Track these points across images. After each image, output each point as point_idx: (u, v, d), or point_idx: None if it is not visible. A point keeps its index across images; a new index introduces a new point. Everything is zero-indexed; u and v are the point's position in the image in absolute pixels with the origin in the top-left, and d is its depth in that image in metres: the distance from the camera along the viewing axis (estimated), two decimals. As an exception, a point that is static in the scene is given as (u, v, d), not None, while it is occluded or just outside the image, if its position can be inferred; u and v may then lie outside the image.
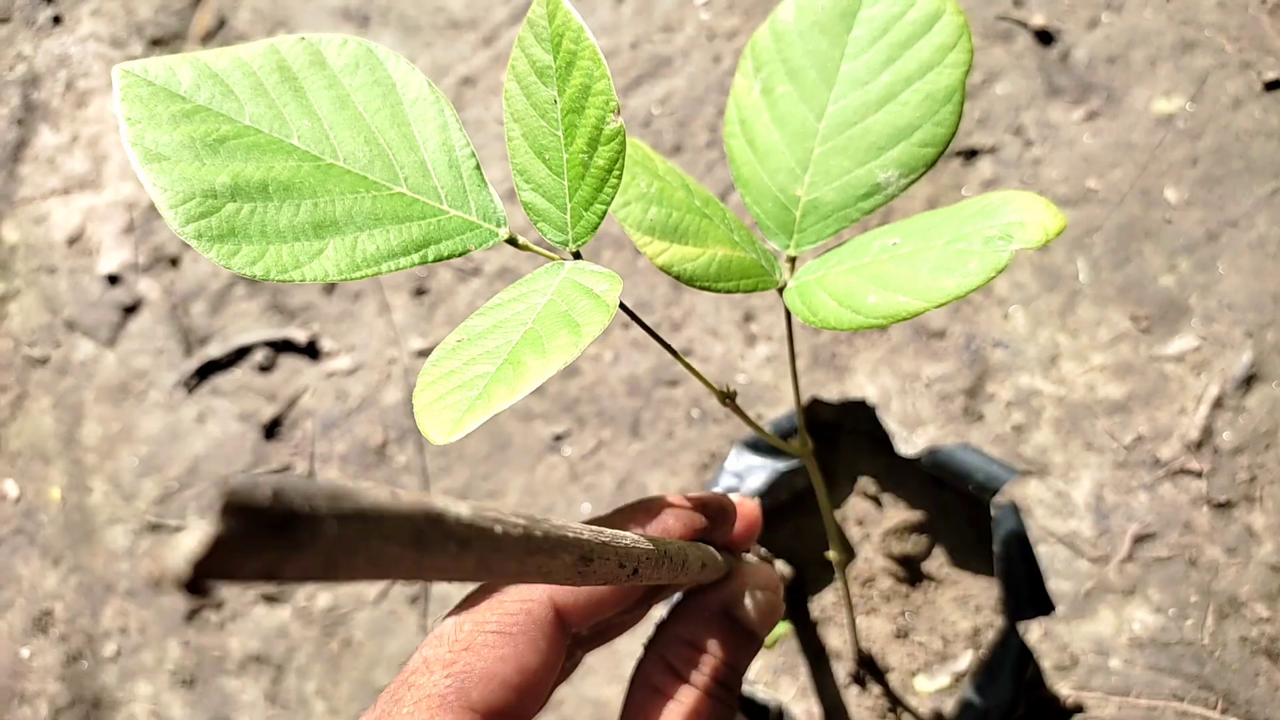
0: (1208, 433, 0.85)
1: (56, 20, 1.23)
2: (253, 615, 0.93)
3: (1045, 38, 1.01)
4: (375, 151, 0.39)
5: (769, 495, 0.69)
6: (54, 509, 1.01)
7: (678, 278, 0.45)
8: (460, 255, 0.38)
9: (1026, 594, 0.61)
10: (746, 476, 0.71)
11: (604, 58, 0.37)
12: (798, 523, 0.72)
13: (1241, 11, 0.97)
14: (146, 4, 1.22)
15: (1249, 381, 0.85)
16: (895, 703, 0.67)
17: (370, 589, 0.93)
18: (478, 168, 0.40)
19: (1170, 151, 0.94)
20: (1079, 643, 0.80)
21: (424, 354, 1.00)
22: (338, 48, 0.39)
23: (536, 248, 0.41)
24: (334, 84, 0.39)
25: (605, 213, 0.40)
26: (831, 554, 0.56)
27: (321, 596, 0.93)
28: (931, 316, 0.92)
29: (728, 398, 0.48)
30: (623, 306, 0.39)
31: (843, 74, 0.49)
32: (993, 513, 0.64)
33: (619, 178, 0.37)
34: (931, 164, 0.49)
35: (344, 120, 0.39)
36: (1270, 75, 0.93)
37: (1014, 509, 0.63)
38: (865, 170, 0.49)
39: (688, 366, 0.40)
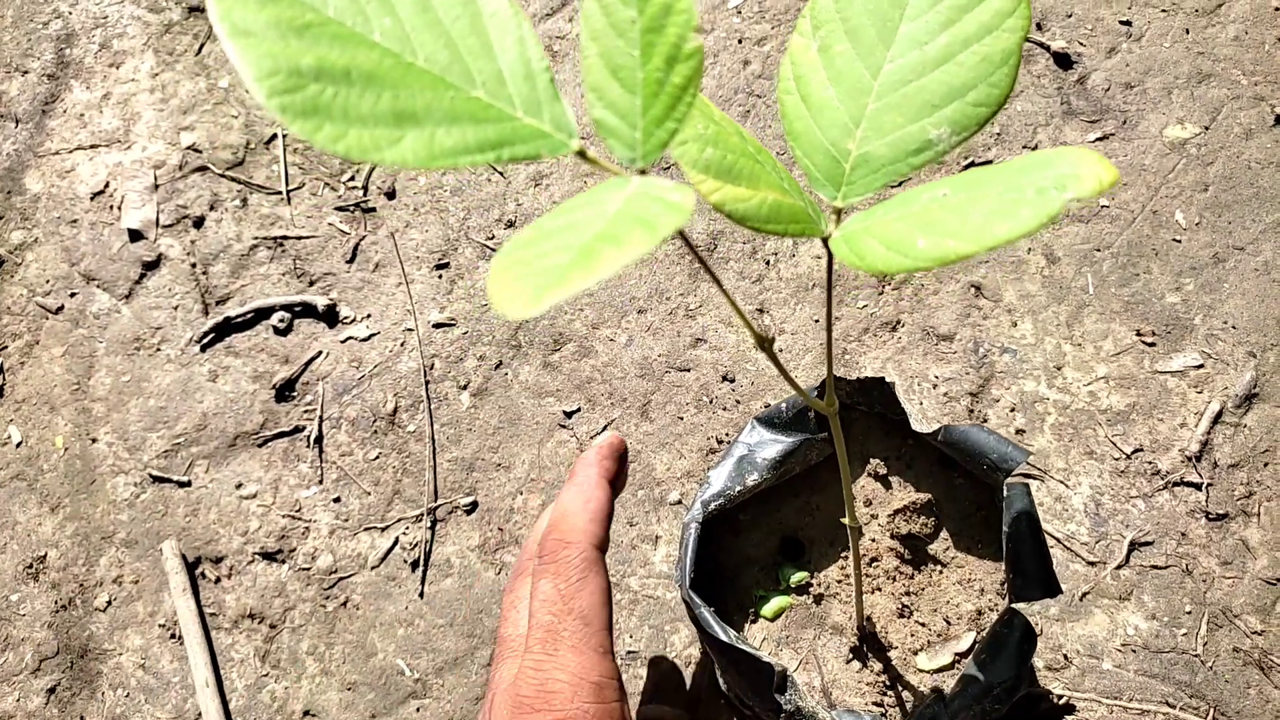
0: (1207, 447, 0.86)
1: (96, -17, 1.24)
2: (251, 571, 0.93)
3: (1064, 61, 1.04)
4: (454, 55, 0.40)
5: (781, 466, 0.70)
6: (56, 457, 1.01)
7: (729, 216, 0.47)
8: (533, 159, 0.40)
9: (1034, 573, 0.62)
10: (759, 449, 0.72)
11: (685, -23, 0.38)
12: (807, 499, 0.74)
13: (1257, 48, 1.01)
14: (187, -27, 1.24)
15: (1250, 400, 0.87)
16: (896, 678, 0.68)
17: (372, 552, 0.93)
18: (552, 81, 0.41)
19: (1182, 176, 0.97)
20: (1072, 644, 0.81)
21: (441, 326, 1.01)
22: (422, -44, 0.41)
23: (604, 162, 0.43)
24: (417, -12, 0.41)
25: (676, 130, 0.41)
26: (846, 520, 0.57)
27: (322, 556, 0.93)
28: (940, 320, 0.94)
29: (766, 342, 0.49)
30: (681, 236, 0.41)
31: (901, 34, 0.51)
32: (1005, 491, 0.65)
33: (694, 95, 0.39)
34: (983, 123, 0.50)
35: (424, 23, 0.40)
36: (1282, 109, 0.97)
37: (1026, 489, 0.64)
38: (918, 127, 0.50)
39: (732, 303, 0.42)
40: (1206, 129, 0.98)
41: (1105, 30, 1.05)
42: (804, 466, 0.73)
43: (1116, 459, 0.87)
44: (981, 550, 0.71)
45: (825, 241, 0.48)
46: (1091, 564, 0.83)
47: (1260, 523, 0.83)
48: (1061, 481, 0.87)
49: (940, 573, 0.72)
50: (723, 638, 0.60)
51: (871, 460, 0.75)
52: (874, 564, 0.72)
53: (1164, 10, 1.05)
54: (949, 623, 0.70)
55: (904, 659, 0.69)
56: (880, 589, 0.72)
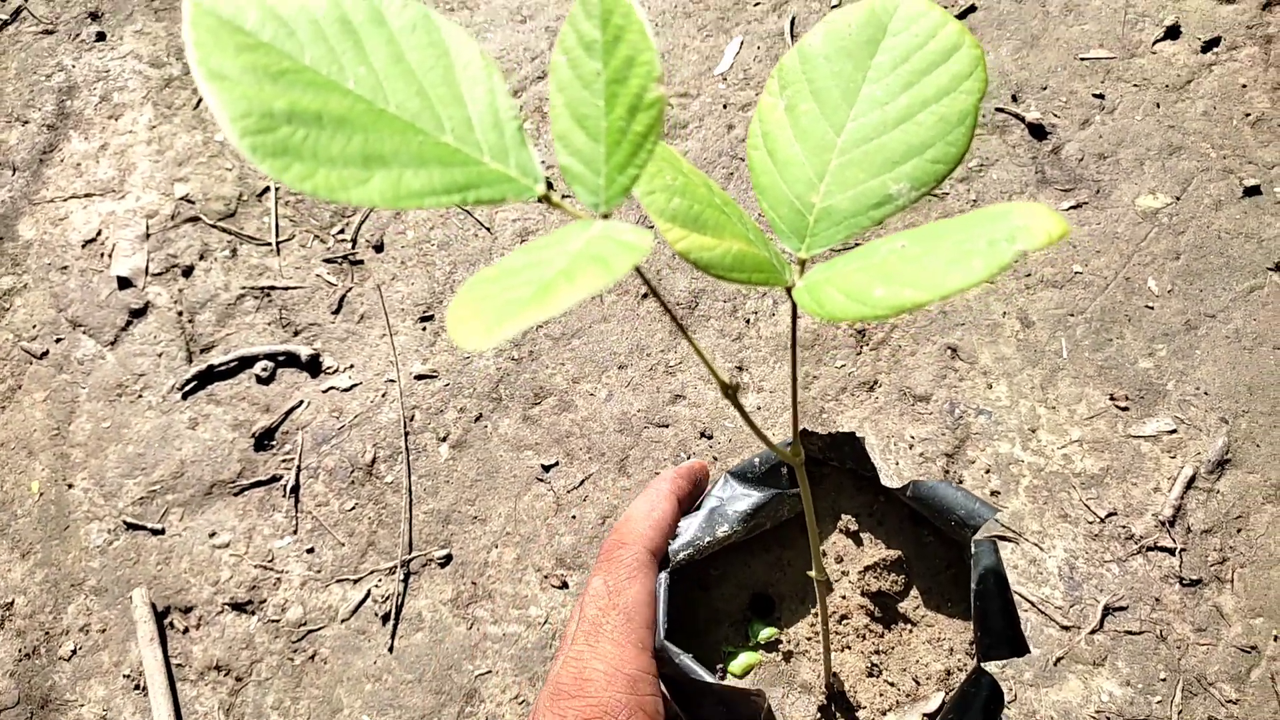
0: (1180, 512, 0.86)
1: (100, 36, 1.27)
2: (220, 621, 0.92)
3: (1039, 132, 1.06)
4: (425, 104, 0.42)
5: (752, 520, 0.70)
6: (30, 502, 1.00)
7: (695, 264, 0.48)
8: (498, 202, 0.41)
9: (1002, 632, 0.62)
10: (731, 503, 0.72)
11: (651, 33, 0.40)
12: (779, 554, 0.73)
13: (1226, 123, 1.04)
14: (188, 31, 1.27)
15: (1222, 466, 0.88)
16: None
17: (343, 604, 0.92)
18: (520, 129, 0.43)
19: (1154, 244, 0.99)
20: (1046, 710, 0.80)
21: (423, 378, 1.01)
22: (399, 9, 0.43)
23: (569, 207, 0.44)
24: (391, 41, 0.42)
25: (638, 177, 0.42)
26: (814, 573, 0.57)
27: (293, 608, 0.92)
28: (917, 381, 0.95)
29: (731, 390, 0.50)
30: (637, 271, 0.42)
31: (863, 95, 0.53)
32: (972, 549, 0.65)
33: (654, 143, 0.40)
34: (940, 179, 0.52)
35: (398, 73, 0.42)
36: (1251, 181, 0.99)
37: (993, 546, 0.64)
38: (879, 182, 0.52)
39: (697, 351, 0.42)
40: (1178, 199, 1.01)
41: (1079, 103, 1.08)
42: (775, 522, 0.73)
43: (1091, 522, 0.87)
44: (951, 609, 0.71)
45: (789, 291, 0.49)
46: (1066, 628, 0.83)
47: (1234, 589, 0.83)
48: (1036, 544, 0.87)
49: (910, 631, 0.72)
50: (706, 678, 0.59)
51: (843, 516, 0.75)
52: (844, 621, 0.72)
53: (1136, 85, 1.08)
54: (918, 683, 0.69)
55: (872, 719, 0.69)
56: (849, 647, 0.72)
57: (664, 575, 0.68)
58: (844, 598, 0.73)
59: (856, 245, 0.59)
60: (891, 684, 0.69)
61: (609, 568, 0.55)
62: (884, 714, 0.69)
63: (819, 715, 0.68)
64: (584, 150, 0.43)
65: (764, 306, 1.01)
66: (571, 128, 0.43)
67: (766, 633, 0.72)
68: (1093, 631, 0.83)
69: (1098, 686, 0.81)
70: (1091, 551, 0.86)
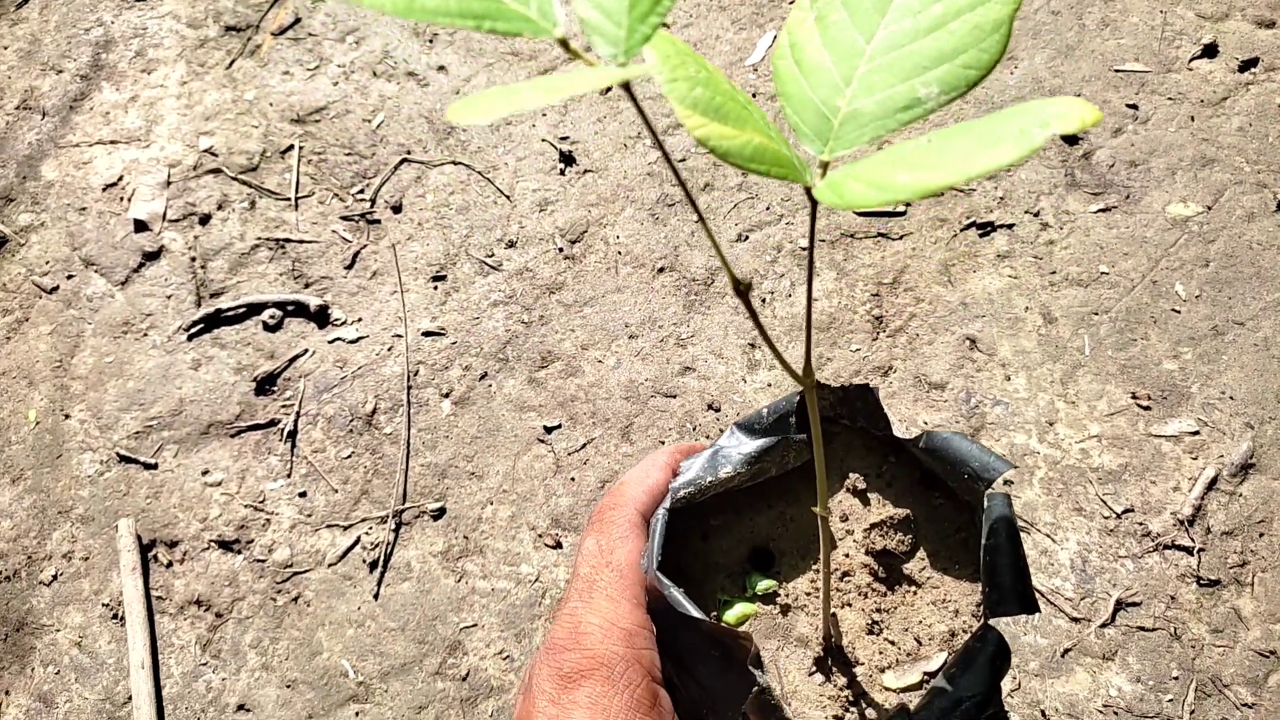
0: (1200, 512, 0.84)
1: (142, -4, 1.29)
2: (205, 558, 0.90)
3: (1071, 137, 1.06)
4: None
5: (756, 463, 0.68)
6: (26, 430, 0.99)
7: (713, 151, 0.47)
8: (513, 35, 0.40)
9: (1011, 587, 0.59)
10: (735, 447, 0.70)
11: None
12: (782, 510, 0.71)
13: (1261, 139, 1.02)
14: (230, -6, 1.29)
15: (1246, 470, 0.85)
16: (860, 694, 0.64)
17: (331, 550, 0.90)
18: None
19: (1183, 251, 0.97)
20: (1051, 701, 0.77)
21: (431, 335, 1.00)
22: None
23: (583, 53, 0.43)
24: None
25: (657, 27, 0.41)
26: (818, 509, 0.55)
27: (280, 550, 0.90)
28: (933, 369, 0.93)
29: (744, 287, 0.48)
30: (652, 136, 0.41)
31: (896, 4, 0.52)
32: (985, 501, 0.62)
33: None
34: (972, 85, 0.51)
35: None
36: (1283, 191, 0.97)
37: (1007, 499, 0.61)
38: (907, 86, 0.51)
39: (713, 241, 0.41)
40: (1209, 209, 0.99)
41: (1112, 112, 1.07)
42: (780, 469, 0.71)
43: (1106, 517, 0.84)
44: (959, 571, 0.68)
45: (809, 192, 0.48)
46: (1075, 620, 0.80)
47: (1254, 593, 0.80)
48: (1048, 536, 0.84)
49: (914, 593, 0.69)
50: (694, 613, 0.57)
51: (850, 475, 0.72)
52: (846, 578, 0.69)
53: (1170, 99, 1.07)
54: (920, 642, 0.66)
55: (870, 675, 0.66)
56: (850, 604, 0.69)
57: (662, 510, 0.65)
58: (847, 555, 0.70)
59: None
60: (892, 642, 0.66)
61: (601, 528, 0.55)
62: (882, 671, 0.66)
63: (814, 669, 0.65)
64: (606, 3, 0.42)
65: (780, 288, 1.00)
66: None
67: (764, 585, 0.69)
68: (1104, 625, 0.79)
69: (1106, 680, 0.77)
70: (1106, 546, 0.83)
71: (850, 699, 0.64)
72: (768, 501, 0.72)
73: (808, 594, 0.69)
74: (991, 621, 0.58)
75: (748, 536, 0.72)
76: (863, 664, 0.66)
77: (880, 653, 0.66)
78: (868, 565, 0.69)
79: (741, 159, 0.50)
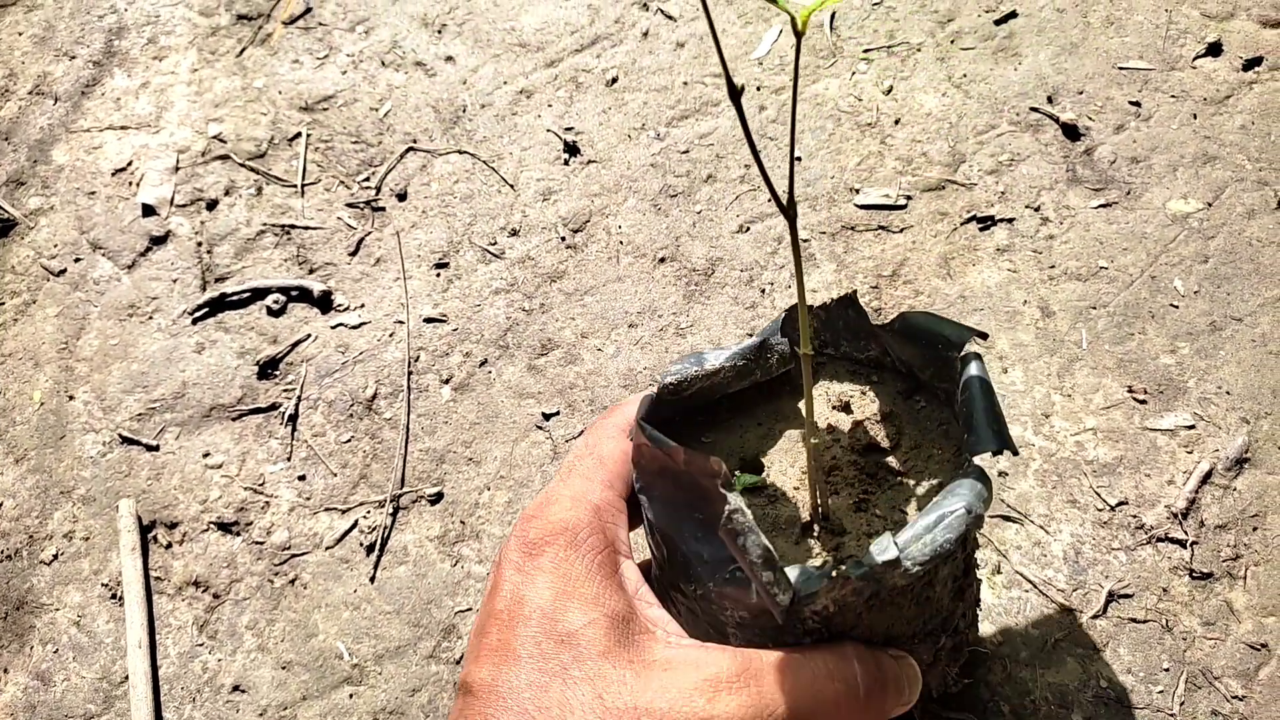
0: (1194, 506, 0.84)
1: (154, -15, 1.30)
2: (204, 539, 0.91)
3: (1073, 133, 1.06)
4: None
5: (741, 362, 0.68)
6: (31, 410, 1.00)
7: None
8: None
9: (987, 427, 0.57)
10: (720, 354, 0.70)
11: None
12: (771, 426, 0.70)
13: (1263, 137, 1.02)
14: (240, -16, 1.30)
15: (1241, 464, 0.85)
16: (847, 554, 0.64)
17: (329, 532, 0.91)
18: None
19: (1182, 247, 0.97)
20: (1041, 690, 0.77)
21: (432, 321, 1.01)
22: None
23: None
24: None
25: None
26: (801, 348, 0.55)
27: (278, 532, 0.91)
28: (933, 361, 0.93)
29: (736, 92, 0.48)
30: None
31: None
32: (959, 365, 0.62)
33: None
34: None
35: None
36: (1284, 188, 0.97)
37: (979, 358, 0.61)
38: None
39: (712, 27, 0.41)
40: (1209, 205, 0.99)
41: (1115, 109, 1.07)
42: (764, 372, 0.71)
43: (1100, 510, 0.84)
44: (942, 457, 0.68)
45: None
46: (1067, 611, 0.80)
47: (1246, 587, 0.80)
48: (1042, 527, 0.84)
49: (900, 480, 0.69)
50: (669, 444, 0.55)
51: (834, 396, 0.72)
52: (833, 473, 0.68)
53: (1174, 96, 1.07)
54: (906, 515, 0.66)
55: (857, 540, 0.66)
56: (838, 492, 0.68)
57: (650, 393, 0.65)
58: (834, 456, 0.69)
59: None
60: (879, 516, 0.66)
61: (593, 430, 0.56)
62: (869, 536, 0.66)
63: (801, 537, 0.64)
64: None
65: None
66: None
67: (751, 479, 0.69)
68: (1095, 616, 0.79)
69: (1097, 671, 0.77)
70: (1099, 538, 0.83)
71: (834, 546, 0.64)
72: (757, 419, 0.72)
73: (795, 488, 0.68)
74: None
75: (737, 450, 0.71)
76: (850, 532, 0.66)
77: (868, 524, 0.66)
78: (854, 462, 0.68)
79: None
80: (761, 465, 0.69)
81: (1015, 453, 0.55)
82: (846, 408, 0.70)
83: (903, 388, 0.71)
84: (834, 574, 0.48)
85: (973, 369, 0.60)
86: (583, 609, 0.47)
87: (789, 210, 0.48)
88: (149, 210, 1.11)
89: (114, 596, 0.89)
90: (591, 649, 0.45)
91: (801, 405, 0.71)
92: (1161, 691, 0.76)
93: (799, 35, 0.41)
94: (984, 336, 0.65)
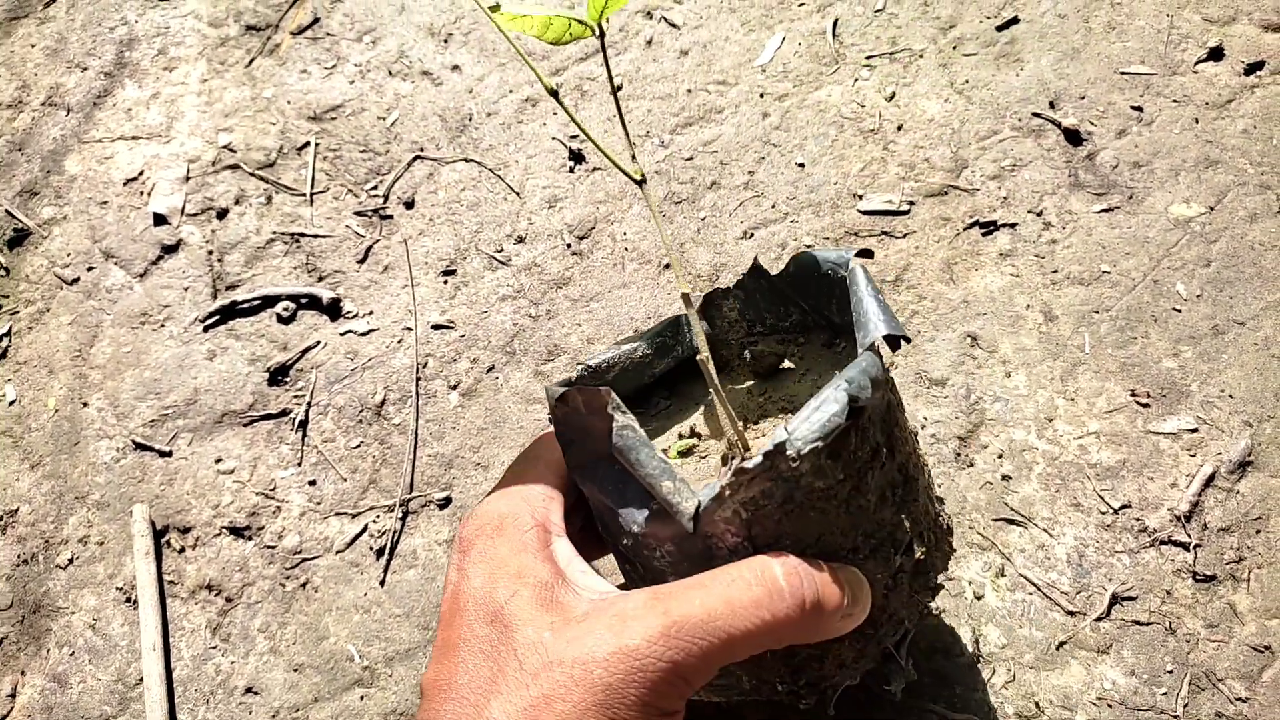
0: (1197, 508, 0.84)
1: (164, -4, 1.32)
2: (216, 544, 0.92)
3: (1074, 138, 1.06)
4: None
5: (658, 339, 0.69)
6: (45, 417, 1.01)
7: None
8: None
9: (875, 318, 0.56)
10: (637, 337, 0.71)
11: None
12: (709, 404, 0.71)
13: (1265, 141, 1.03)
14: (250, -5, 1.31)
15: (1244, 467, 0.86)
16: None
17: (339, 537, 0.92)
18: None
19: (1184, 251, 0.97)
20: (1045, 693, 0.78)
21: (440, 328, 1.02)
22: None
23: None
24: None
25: None
26: (680, 286, 0.56)
27: (289, 536, 0.92)
28: (934, 365, 0.94)
29: (553, 91, 0.52)
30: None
31: None
32: (848, 280, 0.62)
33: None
34: None
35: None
36: (1286, 192, 0.98)
37: (863, 268, 0.62)
38: None
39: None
40: (1211, 209, 1.00)
41: (1116, 114, 1.08)
42: (683, 347, 0.72)
43: (1103, 513, 0.85)
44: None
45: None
46: (1070, 614, 0.80)
47: (1250, 589, 0.80)
48: (1045, 530, 0.85)
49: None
50: (564, 389, 0.55)
51: (764, 365, 0.73)
52: (760, 420, 0.69)
53: (1175, 101, 1.08)
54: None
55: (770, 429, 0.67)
56: (765, 434, 0.68)
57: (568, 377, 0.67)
58: (765, 413, 0.69)
59: None
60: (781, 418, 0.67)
61: (531, 444, 0.60)
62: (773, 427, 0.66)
63: (723, 462, 0.64)
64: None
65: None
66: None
67: (684, 444, 0.70)
68: (1099, 619, 0.80)
69: (1101, 674, 0.78)
70: (1102, 541, 0.84)
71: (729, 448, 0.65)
72: (695, 399, 0.73)
73: (728, 447, 0.69)
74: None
75: (675, 430, 0.72)
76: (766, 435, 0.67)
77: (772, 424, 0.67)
78: (782, 409, 0.69)
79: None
80: (698, 435, 0.70)
81: (907, 340, 0.55)
82: (774, 371, 0.71)
83: (825, 339, 0.72)
84: (732, 471, 0.47)
85: (858, 275, 0.60)
86: (508, 584, 0.47)
87: (641, 181, 0.52)
88: (160, 219, 1.12)
89: (128, 600, 0.90)
90: (517, 620, 0.45)
91: (727, 382, 0.73)
92: (1165, 694, 0.77)
93: (601, 36, 0.46)
94: (868, 255, 0.66)
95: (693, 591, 0.45)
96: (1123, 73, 1.11)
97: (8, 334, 1.07)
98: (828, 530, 0.52)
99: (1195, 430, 0.88)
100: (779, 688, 0.59)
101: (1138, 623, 0.80)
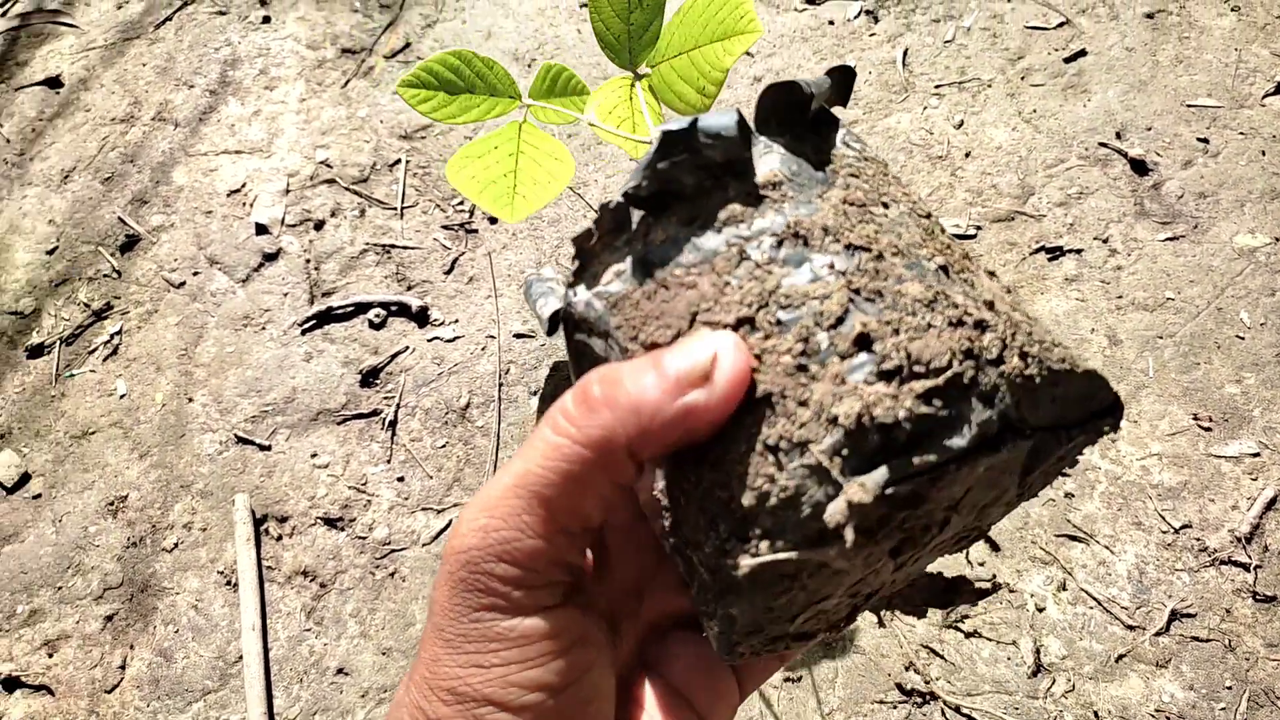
0: (1258, 531, 0.86)
1: (266, 20, 1.40)
2: (311, 533, 0.98)
3: (1141, 168, 1.09)
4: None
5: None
6: (153, 411, 1.08)
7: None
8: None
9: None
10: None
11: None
12: None
13: (1330, 174, 1.05)
14: (345, 19, 1.39)
15: (1304, 492, 0.87)
16: None
17: (425, 530, 0.97)
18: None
19: (1249, 280, 1.00)
20: (1104, 704, 0.80)
21: (522, 337, 1.07)
22: None
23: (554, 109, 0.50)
24: None
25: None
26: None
27: (379, 528, 0.98)
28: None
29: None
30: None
31: None
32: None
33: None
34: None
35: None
36: (1352, 225, 1.00)
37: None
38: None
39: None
40: (1277, 240, 1.02)
41: (1183, 145, 1.10)
42: None
43: (1164, 532, 0.87)
44: None
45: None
46: (1130, 628, 0.83)
47: (1309, 610, 0.82)
48: (1107, 547, 0.87)
49: None
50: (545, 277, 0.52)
51: None
52: None
53: (1242, 133, 1.10)
54: None
55: None
56: None
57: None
58: None
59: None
60: None
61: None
62: None
63: None
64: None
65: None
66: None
67: None
68: (1158, 634, 0.82)
69: (1159, 687, 0.80)
70: (1163, 559, 0.86)
71: None
72: None
73: None
74: None
75: None
76: None
77: None
78: None
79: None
80: None
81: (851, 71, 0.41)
82: None
83: None
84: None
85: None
86: None
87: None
88: (262, 229, 1.19)
89: (229, 583, 0.96)
90: None
91: None
92: (1224, 709, 0.79)
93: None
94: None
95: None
96: (1189, 105, 1.13)
97: (119, 332, 1.15)
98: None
99: (1257, 455, 0.90)
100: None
101: (1197, 639, 0.82)
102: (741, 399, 0.30)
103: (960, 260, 0.35)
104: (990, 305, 0.32)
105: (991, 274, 0.37)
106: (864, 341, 0.30)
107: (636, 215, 0.35)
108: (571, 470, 0.31)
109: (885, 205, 0.36)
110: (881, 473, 0.28)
